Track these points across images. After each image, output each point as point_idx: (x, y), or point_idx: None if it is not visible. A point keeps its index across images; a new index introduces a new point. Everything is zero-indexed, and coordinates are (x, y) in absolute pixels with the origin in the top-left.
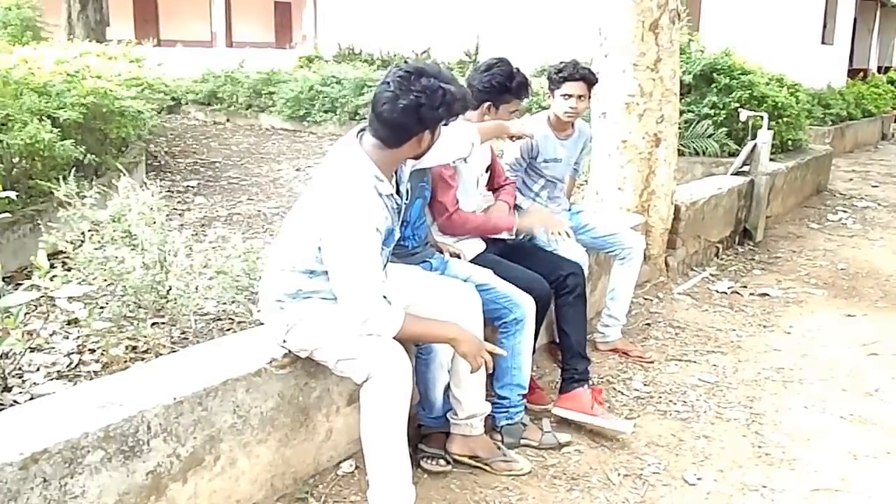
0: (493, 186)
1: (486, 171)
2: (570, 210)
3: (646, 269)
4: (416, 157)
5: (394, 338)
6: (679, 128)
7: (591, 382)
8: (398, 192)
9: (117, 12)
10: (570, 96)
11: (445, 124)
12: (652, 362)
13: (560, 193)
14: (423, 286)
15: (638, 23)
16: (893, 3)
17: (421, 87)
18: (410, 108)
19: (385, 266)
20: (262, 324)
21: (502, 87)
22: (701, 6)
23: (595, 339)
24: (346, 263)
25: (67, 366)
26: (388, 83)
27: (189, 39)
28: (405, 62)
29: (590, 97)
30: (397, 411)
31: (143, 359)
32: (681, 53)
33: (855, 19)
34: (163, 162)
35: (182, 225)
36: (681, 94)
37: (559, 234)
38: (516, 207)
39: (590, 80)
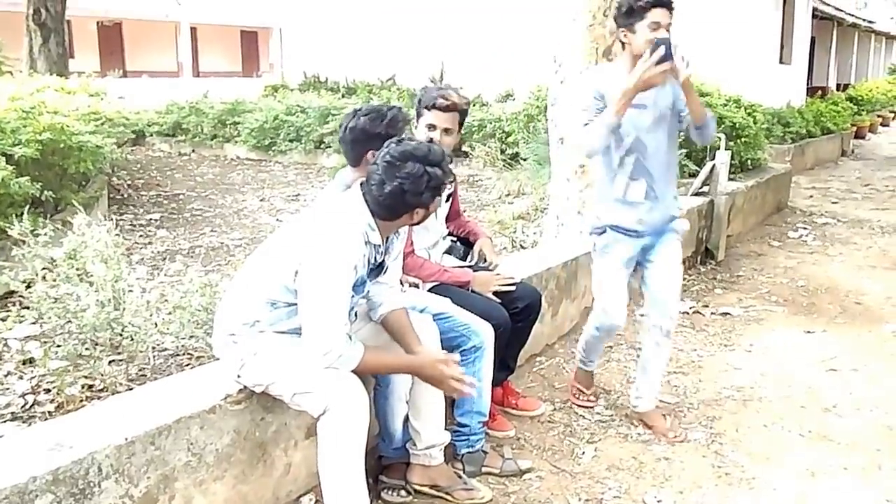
0: (449, 216)
1: (448, 200)
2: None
3: None
4: (415, 224)
5: (354, 371)
6: None
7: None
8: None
9: (82, 45)
10: (658, 24)
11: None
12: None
13: (660, 178)
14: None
15: (591, 49)
16: (850, 22)
17: (405, 174)
18: (396, 194)
19: (352, 311)
20: (219, 359)
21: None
22: None
23: None
24: (319, 292)
25: (22, 407)
26: (377, 165)
27: (155, 70)
28: (398, 143)
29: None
30: (355, 444)
31: (99, 397)
32: None
33: (813, 38)
34: (125, 195)
35: (141, 259)
36: None
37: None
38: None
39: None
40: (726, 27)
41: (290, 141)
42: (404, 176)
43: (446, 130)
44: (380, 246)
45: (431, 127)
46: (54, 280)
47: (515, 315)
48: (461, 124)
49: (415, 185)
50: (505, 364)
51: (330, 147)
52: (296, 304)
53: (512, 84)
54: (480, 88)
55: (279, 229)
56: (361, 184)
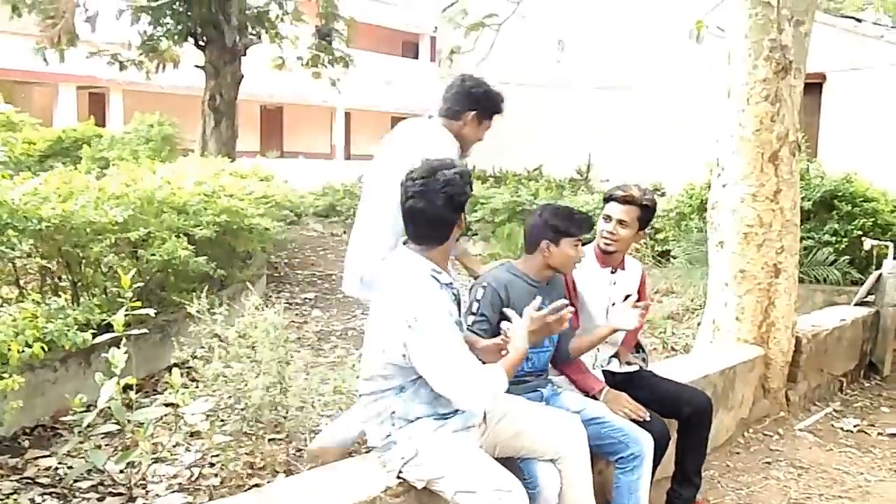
0: None
1: (626, 300)
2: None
3: (766, 404)
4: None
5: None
6: (798, 255)
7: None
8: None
9: (245, 126)
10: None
11: None
12: None
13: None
14: (523, 416)
15: (757, 154)
16: None
17: (443, 181)
18: (446, 203)
19: None
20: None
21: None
22: (819, 130)
23: None
24: (441, 355)
25: (188, 478)
26: (413, 196)
27: (310, 151)
28: (410, 172)
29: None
30: None
31: (259, 475)
32: (800, 180)
33: None
34: (282, 273)
35: (299, 338)
36: (801, 221)
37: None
38: None
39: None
40: (890, 126)
41: None
42: (443, 184)
43: (621, 222)
44: (451, 283)
45: (607, 218)
46: (223, 357)
47: (683, 423)
48: (645, 221)
49: (456, 186)
50: (687, 479)
51: (476, 234)
52: (414, 380)
53: (660, 178)
54: (627, 181)
55: (370, 317)
56: (404, 241)
